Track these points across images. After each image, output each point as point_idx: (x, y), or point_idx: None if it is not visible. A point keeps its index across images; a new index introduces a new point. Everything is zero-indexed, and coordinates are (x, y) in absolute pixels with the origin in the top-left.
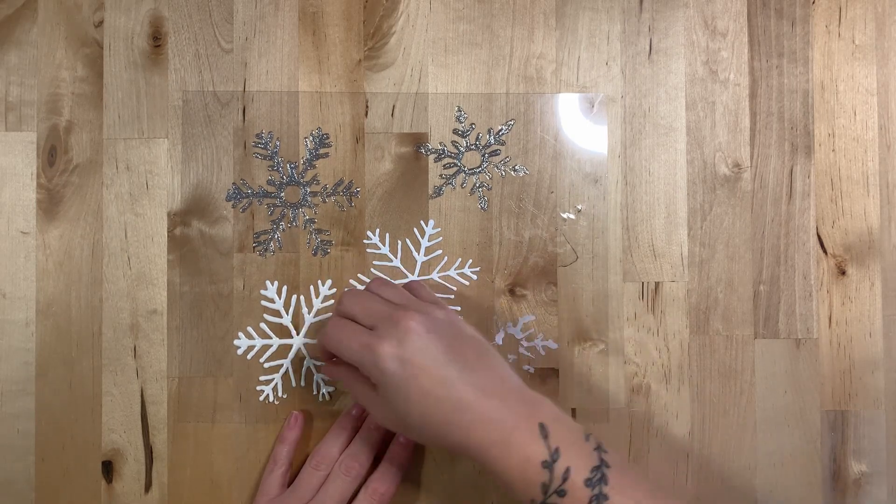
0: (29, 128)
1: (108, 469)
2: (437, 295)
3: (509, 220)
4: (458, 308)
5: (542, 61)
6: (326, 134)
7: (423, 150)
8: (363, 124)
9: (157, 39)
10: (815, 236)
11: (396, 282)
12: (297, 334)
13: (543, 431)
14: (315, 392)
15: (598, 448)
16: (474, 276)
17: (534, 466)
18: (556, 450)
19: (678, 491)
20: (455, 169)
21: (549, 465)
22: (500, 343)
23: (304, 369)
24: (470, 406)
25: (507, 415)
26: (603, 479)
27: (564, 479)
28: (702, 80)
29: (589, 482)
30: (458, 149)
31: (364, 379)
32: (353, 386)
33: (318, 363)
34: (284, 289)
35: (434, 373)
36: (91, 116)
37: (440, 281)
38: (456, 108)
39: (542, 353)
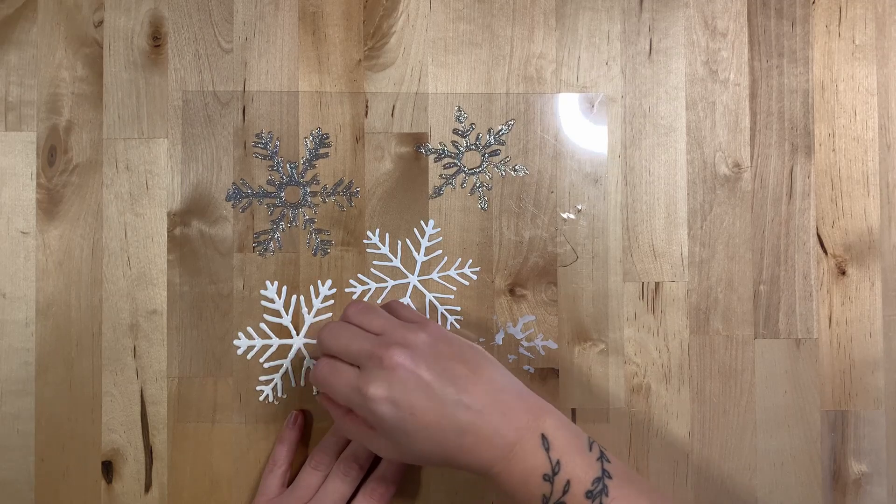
0: (29, 128)
1: (107, 469)
2: (436, 296)
3: (509, 220)
4: (458, 308)
5: (542, 61)
6: (326, 134)
7: (423, 150)
8: (363, 124)
9: (156, 39)
10: (815, 236)
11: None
12: (297, 334)
13: (545, 443)
14: (315, 392)
15: (601, 458)
16: (474, 276)
17: (535, 479)
18: (558, 462)
19: (679, 494)
20: (455, 169)
21: (550, 478)
22: (500, 343)
23: (303, 369)
24: (470, 429)
25: (508, 429)
26: (604, 491)
27: (565, 492)
28: (702, 80)
29: (590, 494)
30: (458, 149)
31: (359, 420)
32: (348, 426)
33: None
34: (284, 289)
35: (428, 406)
36: (91, 116)
37: (440, 281)
38: (456, 108)
39: (542, 353)
